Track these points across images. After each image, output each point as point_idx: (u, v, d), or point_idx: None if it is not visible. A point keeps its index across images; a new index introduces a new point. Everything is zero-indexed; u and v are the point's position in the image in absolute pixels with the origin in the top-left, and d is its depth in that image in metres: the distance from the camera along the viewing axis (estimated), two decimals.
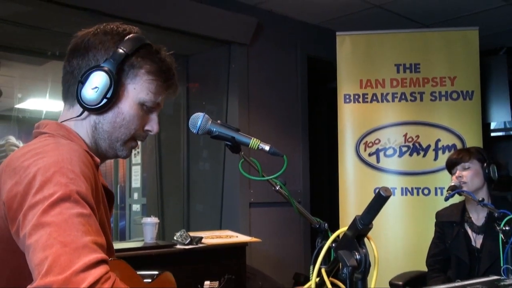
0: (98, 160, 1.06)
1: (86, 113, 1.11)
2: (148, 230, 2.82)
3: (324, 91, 4.67)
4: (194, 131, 1.18)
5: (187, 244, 2.78)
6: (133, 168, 5.11)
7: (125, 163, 5.22)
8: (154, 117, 1.18)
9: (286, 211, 3.93)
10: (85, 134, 1.14)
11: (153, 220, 2.86)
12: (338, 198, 3.63)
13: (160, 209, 4.20)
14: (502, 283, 1.62)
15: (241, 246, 3.05)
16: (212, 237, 3.03)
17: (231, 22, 3.66)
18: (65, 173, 0.88)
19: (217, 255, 2.89)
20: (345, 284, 0.92)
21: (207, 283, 1.57)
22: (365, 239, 0.92)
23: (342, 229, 0.96)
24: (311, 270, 1.01)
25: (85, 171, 0.93)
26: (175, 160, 4.25)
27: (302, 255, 4.08)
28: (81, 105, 1.09)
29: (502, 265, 1.92)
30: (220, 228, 3.76)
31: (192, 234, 2.91)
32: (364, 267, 0.88)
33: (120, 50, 1.10)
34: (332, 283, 1.00)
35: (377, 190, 0.88)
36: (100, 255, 0.82)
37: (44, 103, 4.53)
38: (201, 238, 2.89)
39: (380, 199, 0.86)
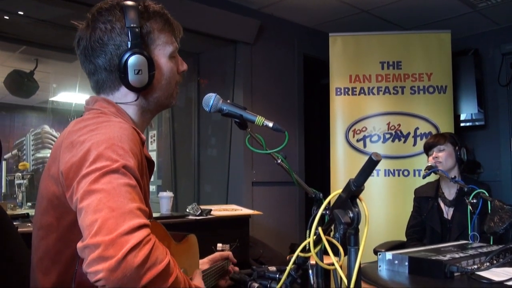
0: (144, 137, 1.03)
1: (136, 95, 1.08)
2: (164, 202, 2.79)
3: (318, 85, 4.65)
4: (207, 110, 1.16)
5: (198, 216, 2.74)
6: (150, 154, 5.10)
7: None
8: (179, 58, 1.16)
9: (284, 189, 3.93)
10: (132, 112, 1.11)
11: (168, 194, 2.82)
12: (329, 179, 3.62)
13: (174, 189, 4.19)
14: (470, 246, 1.64)
15: (245, 218, 3.04)
16: (219, 210, 3.01)
17: (237, 24, 3.63)
18: (115, 149, 0.87)
19: (224, 225, 2.87)
20: (338, 240, 0.90)
21: (219, 245, 1.56)
22: (357, 200, 0.91)
23: (335, 192, 0.94)
24: (307, 233, 1.00)
25: (132, 148, 0.91)
26: (187, 147, 4.24)
27: (297, 228, 4.09)
28: (135, 90, 1.06)
29: (469, 232, 1.93)
30: (226, 203, 3.76)
31: (202, 207, 2.88)
32: (356, 223, 0.86)
33: (133, 27, 1.03)
34: (327, 240, 0.99)
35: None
36: (143, 220, 0.81)
37: (74, 96, 4.50)
38: (210, 210, 2.86)
39: (371, 163, 0.84)
